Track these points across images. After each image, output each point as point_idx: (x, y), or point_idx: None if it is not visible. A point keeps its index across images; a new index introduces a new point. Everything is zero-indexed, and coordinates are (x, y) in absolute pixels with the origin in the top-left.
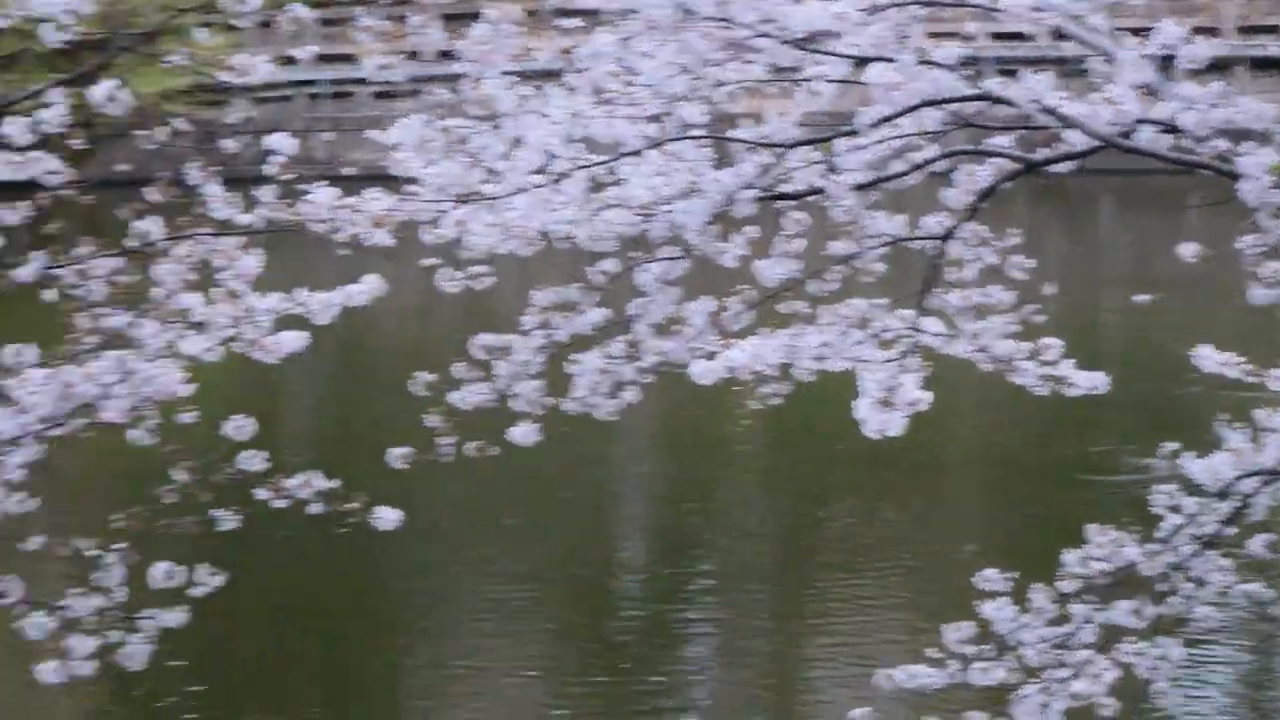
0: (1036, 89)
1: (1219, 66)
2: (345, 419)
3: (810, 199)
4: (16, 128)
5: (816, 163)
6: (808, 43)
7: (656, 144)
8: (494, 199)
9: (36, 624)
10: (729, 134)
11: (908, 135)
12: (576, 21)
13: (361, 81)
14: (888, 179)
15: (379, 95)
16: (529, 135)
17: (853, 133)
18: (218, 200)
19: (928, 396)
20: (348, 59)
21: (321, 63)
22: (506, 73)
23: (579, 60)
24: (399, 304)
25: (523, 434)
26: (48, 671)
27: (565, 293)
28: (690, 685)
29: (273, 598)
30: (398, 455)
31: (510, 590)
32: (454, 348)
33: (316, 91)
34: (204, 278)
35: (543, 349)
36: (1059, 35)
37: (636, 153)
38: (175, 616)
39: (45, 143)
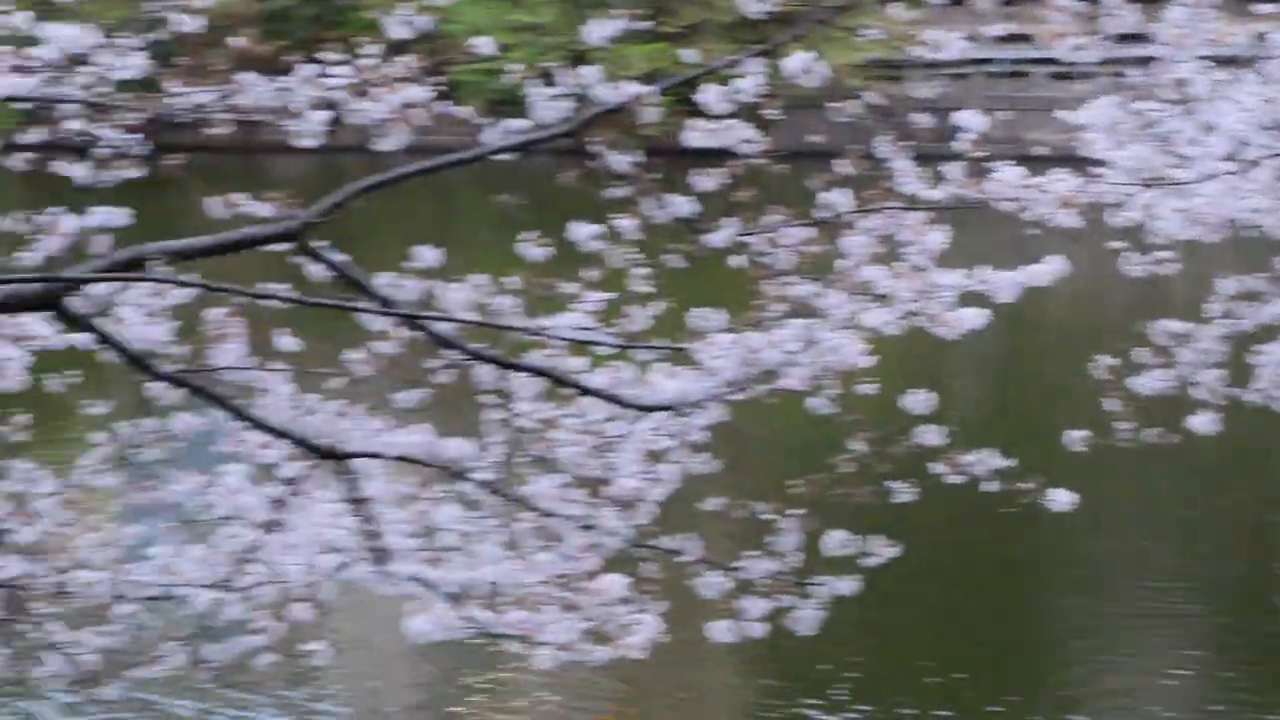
0: None
1: None
2: (1017, 397)
3: None
4: (713, 96)
5: None
6: None
7: None
8: (1183, 184)
9: (711, 583)
10: None
11: None
12: (1273, 7)
13: (1040, 61)
14: None
15: (1056, 76)
16: (1221, 121)
17: None
18: (906, 175)
19: None
20: (1024, 39)
21: (999, 42)
22: (1201, 57)
23: (1274, 46)
24: (1072, 285)
25: (1203, 423)
26: (720, 630)
27: (1250, 282)
28: None
29: (931, 575)
30: (1076, 438)
31: (1163, 587)
32: (1125, 332)
33: (993, 70)
34: (889, 251)
35: (1226, 338)
36: None
37: None
38: (847, 584)
39: (740, 112)
